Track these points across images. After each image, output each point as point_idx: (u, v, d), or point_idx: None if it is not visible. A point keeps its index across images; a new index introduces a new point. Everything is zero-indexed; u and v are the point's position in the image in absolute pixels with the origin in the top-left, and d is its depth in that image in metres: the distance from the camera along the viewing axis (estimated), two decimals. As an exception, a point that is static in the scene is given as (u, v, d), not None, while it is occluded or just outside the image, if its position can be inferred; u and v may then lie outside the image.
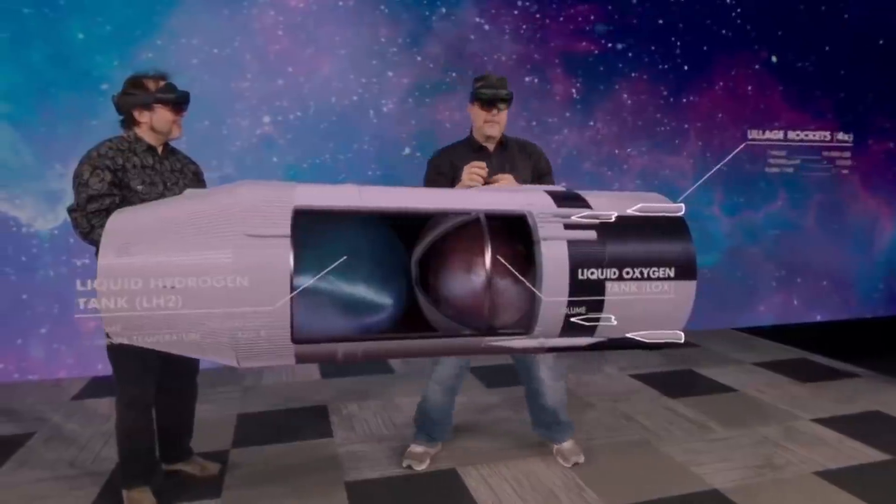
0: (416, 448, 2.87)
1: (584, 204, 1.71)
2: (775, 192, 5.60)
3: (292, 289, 1.41)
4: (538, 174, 2.70)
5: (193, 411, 2.73)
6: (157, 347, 1.40)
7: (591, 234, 1.62)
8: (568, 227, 1.62)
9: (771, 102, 5.50)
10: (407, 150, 4.63)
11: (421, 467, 2.79)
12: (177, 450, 2.71)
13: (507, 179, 2.40)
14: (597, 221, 1.64)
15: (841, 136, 2.24)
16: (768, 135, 2.12)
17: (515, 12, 4.82)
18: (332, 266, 1.52)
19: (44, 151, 3.93)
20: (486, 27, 4.78)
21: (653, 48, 5.16)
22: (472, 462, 2.84)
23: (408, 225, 1.83)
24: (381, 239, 1.78)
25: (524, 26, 4.85)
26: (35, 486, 2.65)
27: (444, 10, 4.66)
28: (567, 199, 1.73)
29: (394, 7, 4.55)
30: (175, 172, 2.39)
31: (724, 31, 5.30)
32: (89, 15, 3.94)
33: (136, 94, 2.28)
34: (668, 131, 5.27)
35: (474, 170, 2.33)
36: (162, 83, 2.30)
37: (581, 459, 2.83)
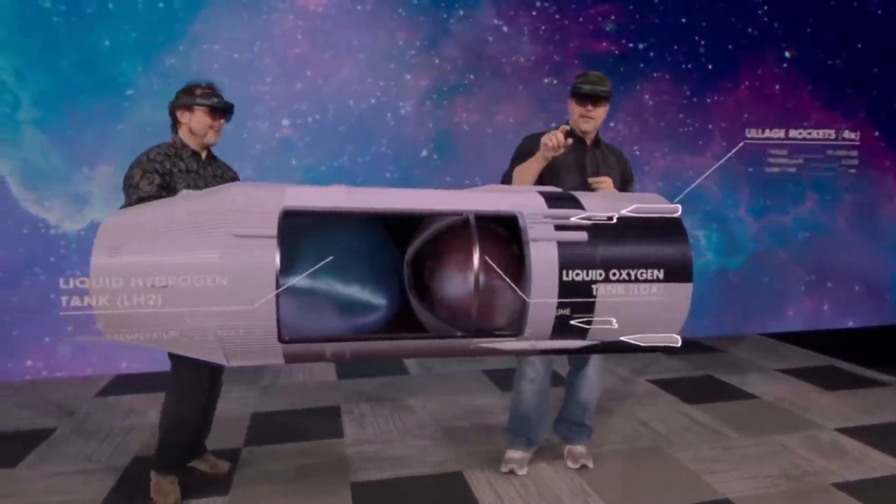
0: (515, 454, 2.76)
1: (578, 205, 1.69)
2: (804, 194, 5.44)
3: (277, 288, 1.43)
4: (624, 180, 2.66)
5: (214, 409, 2.79)
6: (144, 344, 1.43)
7: (583, 236, 1.60)
8: (559, 228, 1.60)
9: (799, 102, 5.34)
10: (424, 153, 4.64)
11: (523, 472, 2.73)
12: (195, 447, 2.76)
13: (607, 183, 2.35)
14: (589, 223, 1.61)
15: (847, 133, 2.16)
16: (767, 133, 2.06)
17: (534, 13, 4.79)
18: (317, 266, 1.53)
19: (72, 155, 4.05)
20: (505, 29, 4.76)
21: (675, 47, 5.06)
22: (478, 465, 2.83)
23: (403, 226, 1.83)
24: (374, 240, 1.78)
25: (543, 27, 4.82)
26: (52, 480, 2.73)
27: (461, 12, 4.65)
28: (560, 200, 1.71)
29: (411, 10, 4.57)
30: (217, 178, 2.51)
31: (749, 30, 5.18)
32: (115, 22, 4.05)
33: (182, 98, 2.44)
34: (691, 132, 5.16)
35: (559, 130, 2.20)
36: (207, 91, 2.43)
37: (590, 464, 2.79)
